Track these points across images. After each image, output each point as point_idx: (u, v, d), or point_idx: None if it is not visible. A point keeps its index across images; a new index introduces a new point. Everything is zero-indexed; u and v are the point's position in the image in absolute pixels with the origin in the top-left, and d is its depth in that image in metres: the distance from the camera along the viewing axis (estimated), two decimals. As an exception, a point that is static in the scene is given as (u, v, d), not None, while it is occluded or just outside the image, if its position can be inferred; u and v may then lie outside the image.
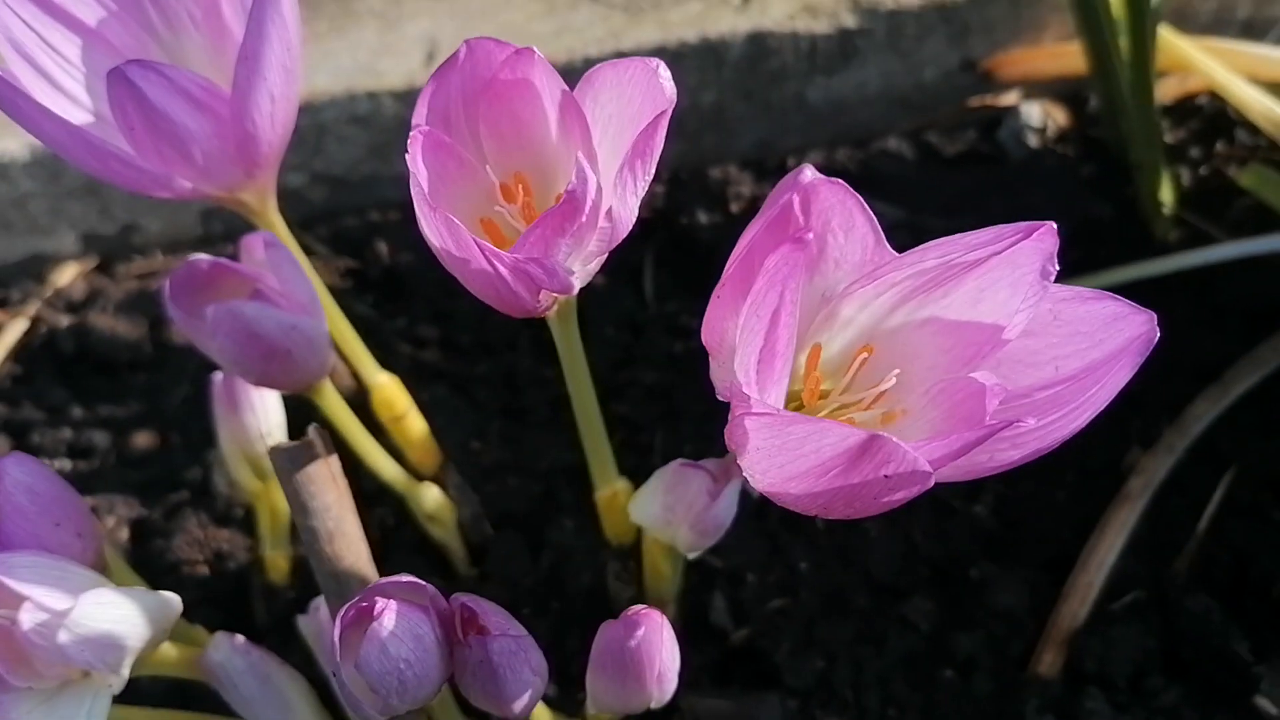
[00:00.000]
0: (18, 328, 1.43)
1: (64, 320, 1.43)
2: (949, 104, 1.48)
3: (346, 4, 1.57)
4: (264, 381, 0.72)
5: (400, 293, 1.36)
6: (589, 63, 1.40)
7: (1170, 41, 1.31)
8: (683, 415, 1.19)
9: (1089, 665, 0.96)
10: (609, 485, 0.86)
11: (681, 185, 1.41)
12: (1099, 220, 1.30)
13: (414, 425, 1.00)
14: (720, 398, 0.53)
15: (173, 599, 0.68)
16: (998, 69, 1.47)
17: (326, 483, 0.67)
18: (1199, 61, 1.31)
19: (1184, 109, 1.43)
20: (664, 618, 0.60)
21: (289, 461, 0.66)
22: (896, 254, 0.51)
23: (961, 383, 0.49)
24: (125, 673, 0.65)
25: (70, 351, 1.39)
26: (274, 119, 0.63)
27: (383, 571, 0.87)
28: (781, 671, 0.98)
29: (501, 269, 0.50)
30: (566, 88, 0.55)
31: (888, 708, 0.96)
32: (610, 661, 0.59)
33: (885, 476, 0.43)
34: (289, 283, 0.68)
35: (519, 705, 0.59)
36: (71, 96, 0.65)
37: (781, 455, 0.45)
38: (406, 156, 0.52)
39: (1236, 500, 1.09)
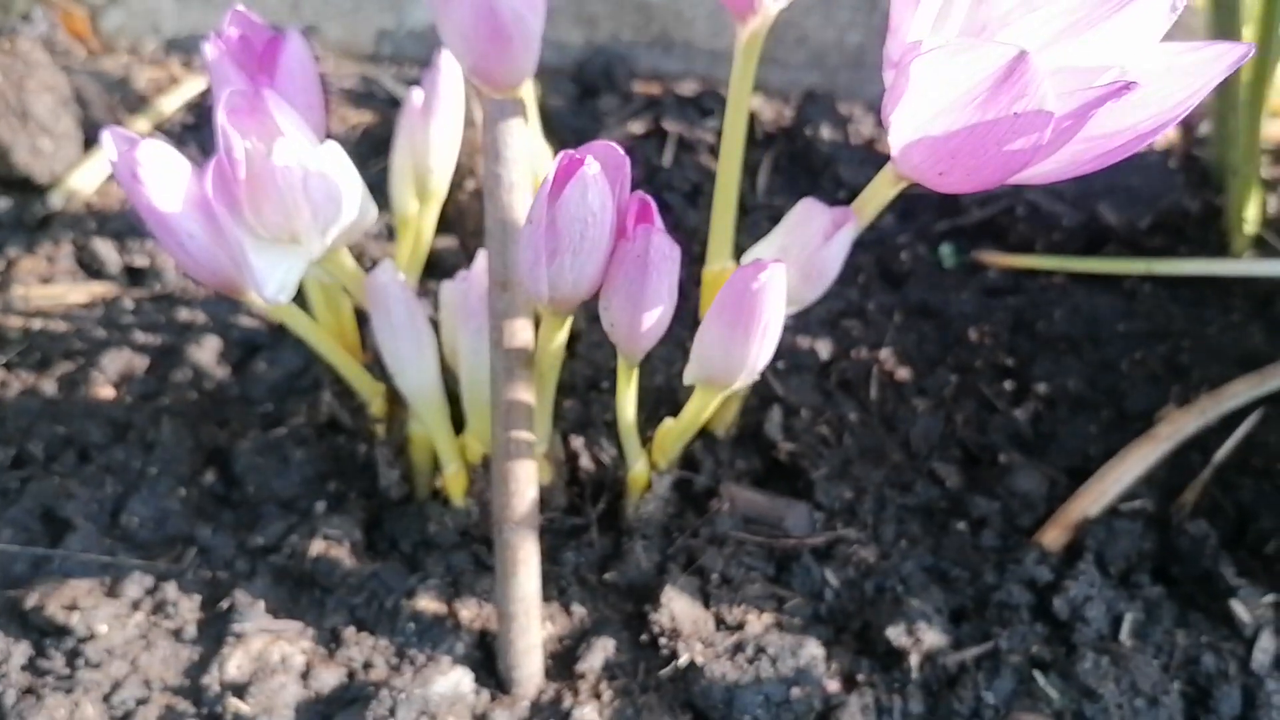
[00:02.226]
0: (196, 85, 1.59)
1: (239, 89, 1.58)
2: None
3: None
4: (478, 66, 0.84)
5: (543, 131, 1.50)
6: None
7: (1283, 87, 1.43)
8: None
9: (1089, 547, 1.06)
10: (720, 261, 0.98)
11: (813, 103, 1.54)
12: (1185, 215, 1.42)
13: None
14: (885, 69, 0.65)
15: (373, 206, 0.81)
16: (1120, 77, 1.59)
17: (522, 140, 0.80)
18: (1304, 107, 1.43)
19: (1281, 151, 1.55)
20: (784, 272, 0.71)
21: (498, 111, 0.79)
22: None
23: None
24: (325, 243, 0.78)
25: (237, 116, 1.54)
26: None
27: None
28: (815, 489, 1.09)
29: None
30: None
31: (901, 539, 1.07)
32: (730, 304, 0.71)
33: (1015, 114, 0.56)
34: (529, -22, 0.82)
35: (649, 319, 0.71)
36: None
37: (937, 89, 0.57)
38: None
39: (1251, 465, 1.19)
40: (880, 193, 0.77)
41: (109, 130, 0.71)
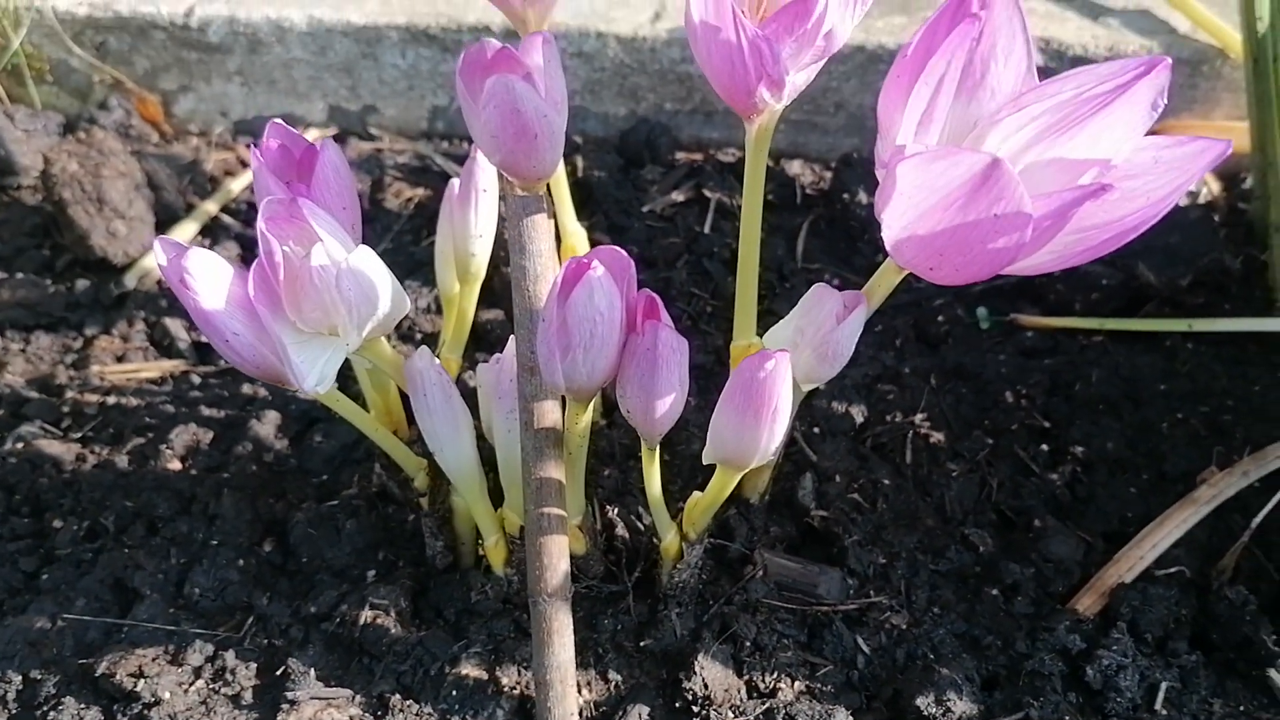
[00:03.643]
0: (262, 166, 1.67)
1: (300, 168, 1.66)
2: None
3: (596, -37, 1.80)
4: (506, 163, 0.90)
5: (587, 202, 1.55)
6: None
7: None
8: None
9: (1124, 614, 1.06)
10: (746, 338, 1.01)
11: (850, 168, 1.58)
12: (1227, 272, 1.41)
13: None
14: (877, 169, 0.68)
15: (406, 298, 0.86)
16: (1166, 131, 1.59)
17: (545, 233, 0.84)
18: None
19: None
20: (789, 361, 0.74)
21: (521, 206, 0.84)
22: (1037, 84, 0.66)
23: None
24: (362, 335, 0.83)
25: (299, 194, 1.62)
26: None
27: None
28: (848, 555, 1.11)
29: (744, 38, 0.67)
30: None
31: (933, 606, 1.08)
32: (736, 395, 0.75)
33: (995, 216, 0.58)
34: (551, 80, 0.87)
35: (661, 406, 0.75)
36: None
37: (920, 192, 0.60)
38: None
39: (1296, 528, 1.18)
40: (886, 279, 0.80)
41: (158, 240, 0.77)
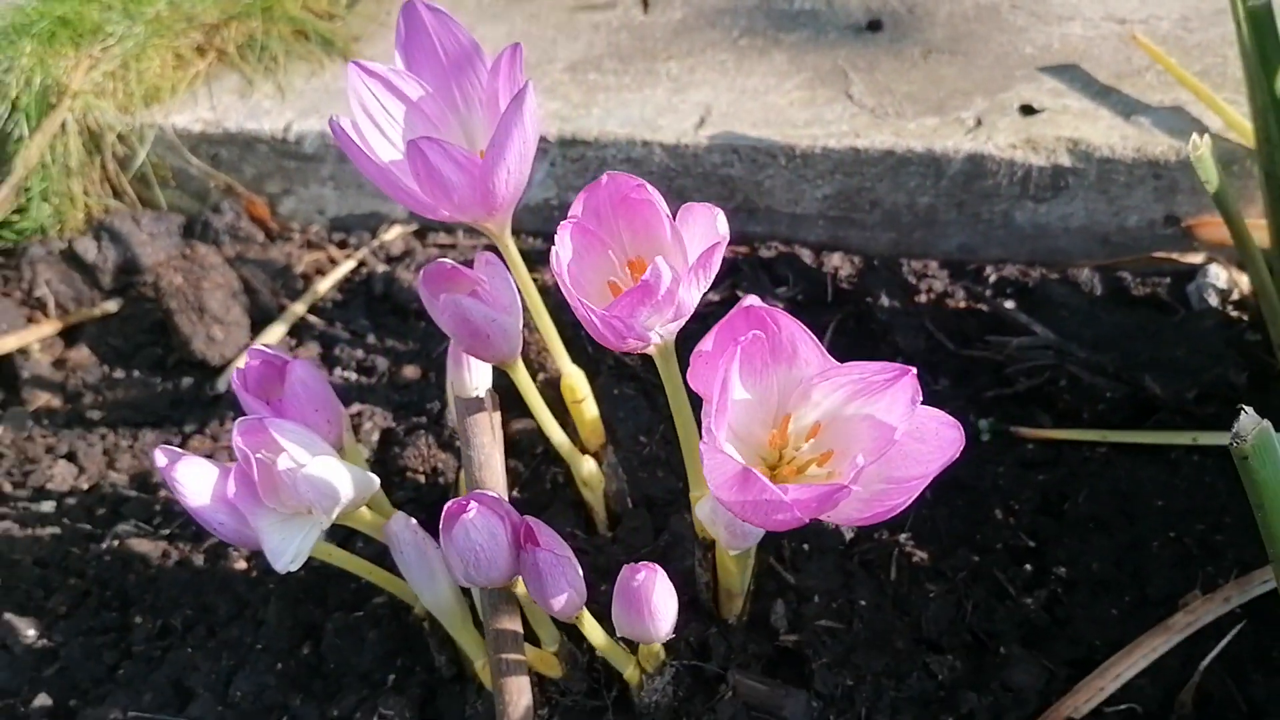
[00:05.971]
0: (347, 266, 1.86)
1: (381, 268, 1.84)
2: (1145, 250, 1.62)
3: (651, 65, 1.90)
4: (471, 352, 1.04)
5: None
6: (826, 152, 1.66)
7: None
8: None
9: (1068, 750, 1.12)
10: (702, 489, 1.12)
11: (873, 270, 1.64)
12: (1233, 386, 1.42)
13: (589, 410, 1.30)
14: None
15: (373, 479, 1.01)
16: (1198, 229, 1.59)
17: (486, 429, 0.98)
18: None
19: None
20: (660, 571, 0.85)
21: (465, 408, 0.98)
22: (837, 364, 0.76)
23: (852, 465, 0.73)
24: (332, 517, 0.99)
25: (379, 293, 1.80)
26: (508, 183, 0.94)
27: (543, 516, 1.21)
28: (815, 677, 1.20)
29: (594, 318, 0.78)
30: (669, 214, 0.82)
31: (891, 731, 1.17)
32: (621, 596, 0.86)
33: (766, 499, 0.68)
34: (498, 289, 1.00)
35: (557, 604, 0.87)
36: (391, 142, 1.00)
37: (715, 472, 0.70)
38: (555, 237, 0.80)
39: (1272, 656, 1.19)
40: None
41: (160, 449, 0.94)
